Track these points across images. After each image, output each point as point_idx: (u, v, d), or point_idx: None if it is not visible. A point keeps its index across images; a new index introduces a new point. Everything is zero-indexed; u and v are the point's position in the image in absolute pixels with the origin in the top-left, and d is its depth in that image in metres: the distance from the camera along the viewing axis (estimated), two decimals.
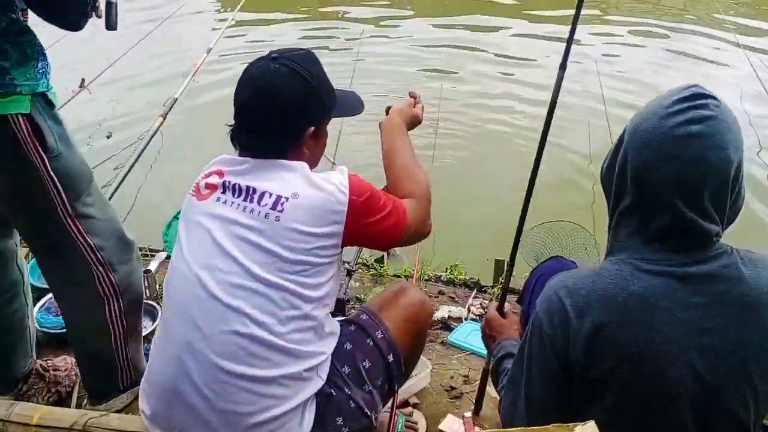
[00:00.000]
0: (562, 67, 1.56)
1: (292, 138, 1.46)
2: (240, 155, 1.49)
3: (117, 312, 1.90)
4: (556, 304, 1.18)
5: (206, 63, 3.78)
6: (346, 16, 8.23)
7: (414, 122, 1.80)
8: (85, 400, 2.06)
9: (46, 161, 1.65)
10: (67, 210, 1.73)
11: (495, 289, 2.81)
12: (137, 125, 4.39)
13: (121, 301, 1.88)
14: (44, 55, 1.65)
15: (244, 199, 1.40)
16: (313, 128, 1.48)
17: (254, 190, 1.40)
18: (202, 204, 1.45)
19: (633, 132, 1.16)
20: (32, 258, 2.09)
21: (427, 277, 2.93)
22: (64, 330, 2.00)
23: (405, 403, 2.15)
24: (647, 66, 6.47)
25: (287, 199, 1.37)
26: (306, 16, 8.09)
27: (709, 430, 1.16)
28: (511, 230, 1.74)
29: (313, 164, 1.51)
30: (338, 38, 7.28)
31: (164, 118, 3.21)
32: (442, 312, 2.64)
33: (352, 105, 1.65)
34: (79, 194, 1.75)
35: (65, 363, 2.15)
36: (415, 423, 2.07)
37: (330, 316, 1.49)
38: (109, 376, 2.01)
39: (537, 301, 1.24)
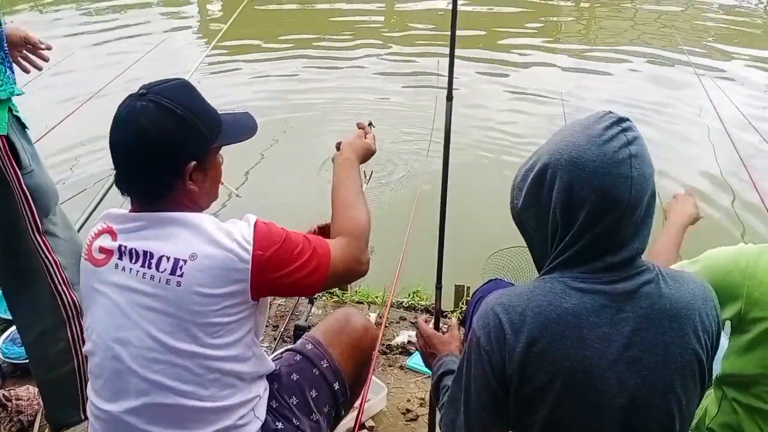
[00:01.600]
0: (449, 98, 1.71)
1: (171, 177, 1.40)
2: (131, 208, 1.45)
3: (79, 332, 1.96)
4: (493, 320, 1.23)
5: None
6: (329, 38, 8.42)
7: (366, 154, 1.78)
8: (47, 430, 2.12)
9: (20, 178, 1.78)
10: (37, 226, 1.84)
11: (455, 314, 2.90)
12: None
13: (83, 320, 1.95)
14: (10, 62, 1.80)
15: (143, 265, 1.36)
16: (194, 163, 1.41)
17: (151, 255, 1.36)
18: (101, 271, 1.41)
19: (574, 164, 1.20)
20: None
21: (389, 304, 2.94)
22: (27, 360, 2.08)
23: (361, 426, 2.23)
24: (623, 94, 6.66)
25: (185, 261, 1.33)
26: (290, 44, 8.26)
27: None
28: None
29: (208, 199, 1.50)
30: (315, 66, 7.45)
31: None
32: (402, 337, 2.73)
33: (243, 129, 1.56)
34: (47, 211, 1.87)
35: (28, 392, 2.23)
36: None
37: (256, 358, 1.48)
38: (71, 406, 2.06)
39: (474, 318, 1.28)
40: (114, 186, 2.67)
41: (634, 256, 1.22)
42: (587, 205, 1.19)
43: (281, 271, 1.40)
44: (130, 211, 1.44)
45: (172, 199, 1.41)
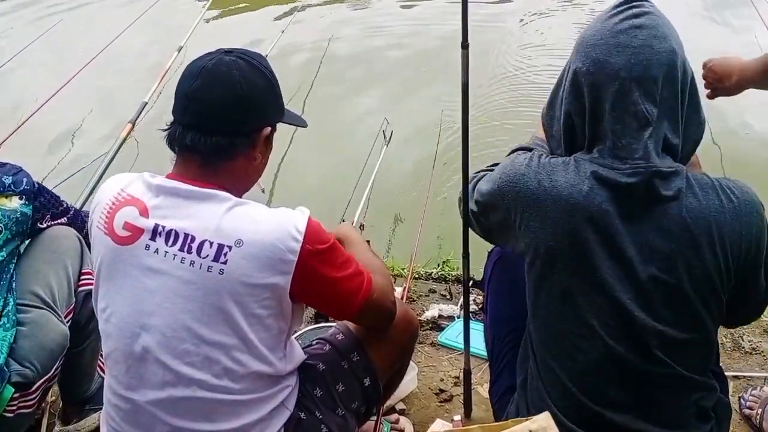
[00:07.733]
0: (464, 46, 1.67)
1: (246, 138, 1.41)
2: (173, 173, 1.41)
3: None
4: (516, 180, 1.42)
5: (180, 62, 3.81)
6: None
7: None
8: (56, 428, 2.12)
9: None
10: None
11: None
12: (111, 136, 4.44)
13: None
14: None
15: (181, 249, 1.33)
16: (270, 129, 1.45)
17: (192, 239, 1.33)
18: (126, 250, 1.37)
19: (579, 44, 1.33)
20: None
21: (417, 275, 2.95)
22: None
23: (391, 410, 2.20)
24: None
25: (230, 248, 1.31)
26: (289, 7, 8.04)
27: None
28: None
29: (256, 177, 1.49)
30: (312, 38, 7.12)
31: (133, 125, 3.27)
32: (432, 312, 2.68)
33: (298, 116, 1.61)
34: None
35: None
36: (402, 430, 2.12)
37: (291, 353, 1.49)
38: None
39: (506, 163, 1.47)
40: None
41: (660, 144, 1.28)
42: (587, 77, 1.28)
43: (324, 270, 1.39)
44: (169, 177, 1.40)
45: (228, 167, 1.40)
